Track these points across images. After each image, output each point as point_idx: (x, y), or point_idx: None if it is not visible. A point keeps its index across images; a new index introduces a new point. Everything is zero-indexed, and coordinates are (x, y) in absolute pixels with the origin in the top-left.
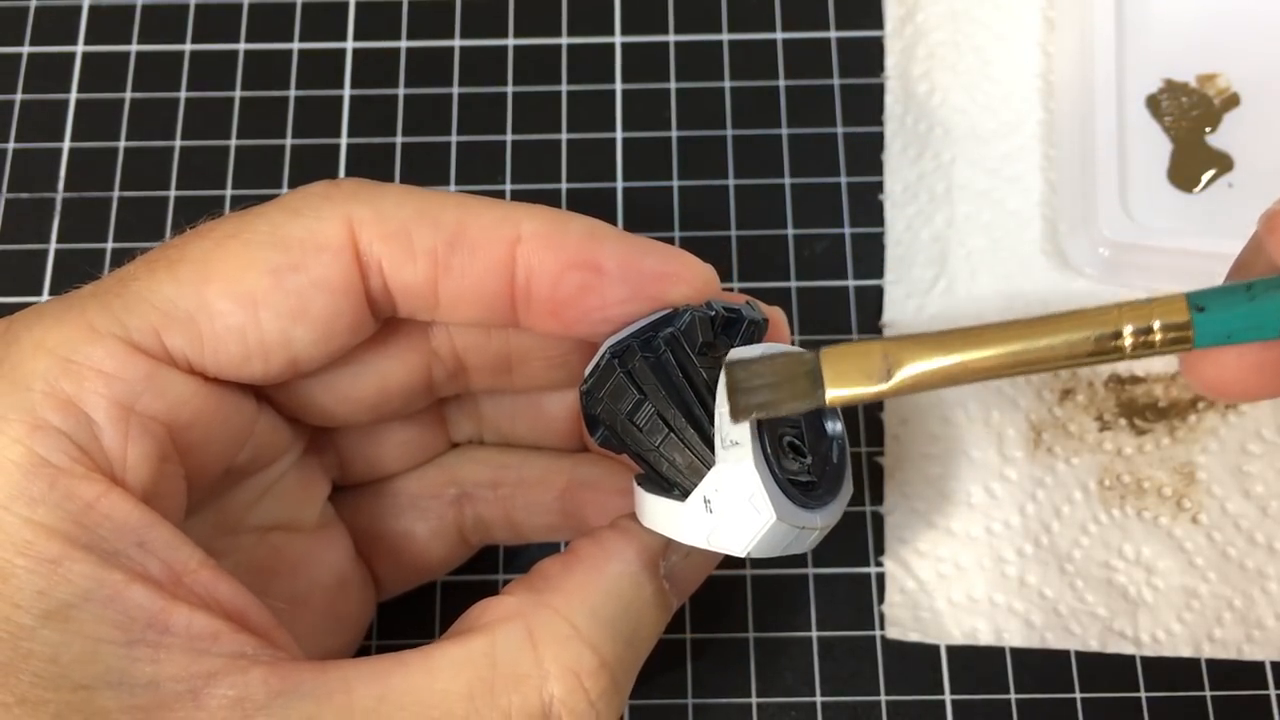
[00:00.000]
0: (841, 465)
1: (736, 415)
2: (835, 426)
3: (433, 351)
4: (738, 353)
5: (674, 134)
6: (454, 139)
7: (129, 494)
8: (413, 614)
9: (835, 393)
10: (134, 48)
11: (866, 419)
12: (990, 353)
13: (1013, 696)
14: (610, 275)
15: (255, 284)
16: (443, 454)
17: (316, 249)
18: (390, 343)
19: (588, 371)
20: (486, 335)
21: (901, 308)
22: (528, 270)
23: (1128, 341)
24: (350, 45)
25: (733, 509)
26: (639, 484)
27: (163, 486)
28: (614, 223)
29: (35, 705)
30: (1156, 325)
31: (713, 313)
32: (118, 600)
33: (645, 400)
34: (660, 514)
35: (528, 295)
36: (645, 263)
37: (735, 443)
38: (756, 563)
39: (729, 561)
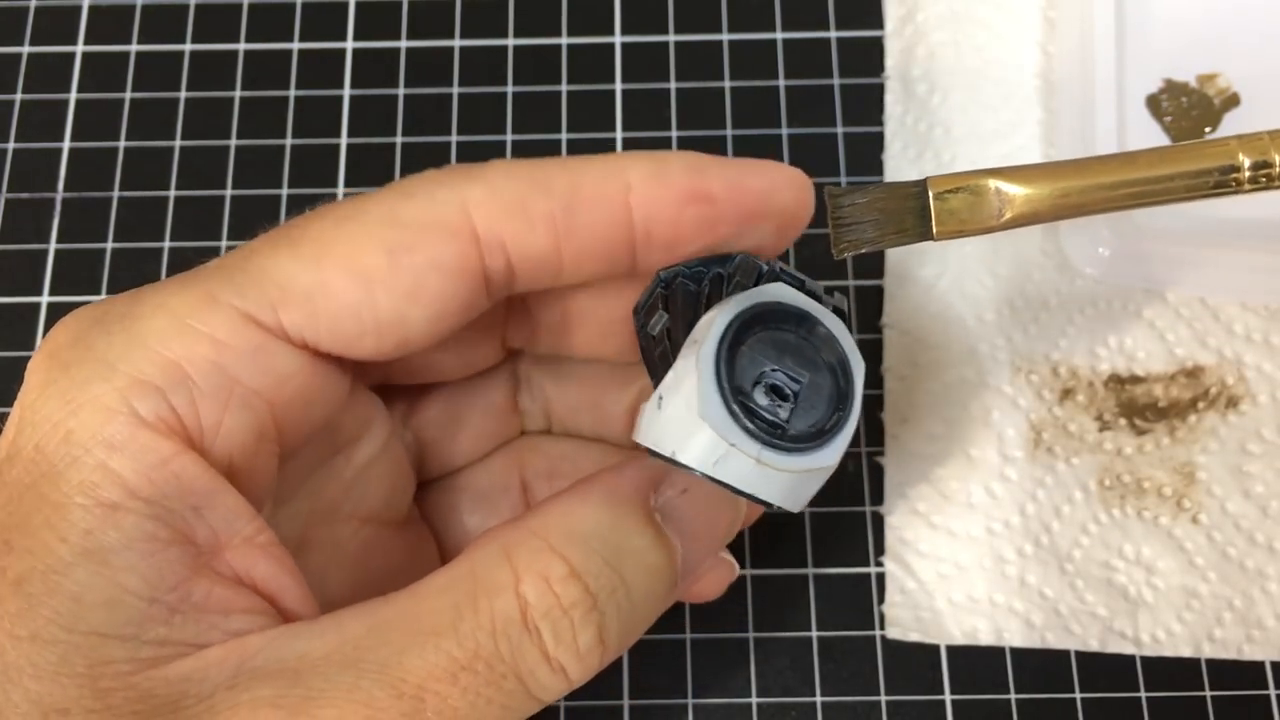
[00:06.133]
0: (836, 428)
1: (838, 251)
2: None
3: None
4: (841, 189)
5: (674, 134)
6: (454, 139)
7: (202, 459)
8: None
9: (944, 229)
10: (134, 48)
11: (867, 419)
12: (1104, 181)
13: (1013, 696)
14: (721, 201)
15: (371, 263)
16: (513, 440)
17: (432, 229)
18: None
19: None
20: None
21: (901, 307)
22: (646, 217)
23: (1246, 175)
24: (350, 45)
25: (674, 405)
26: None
27: (254, 462)
28: None
29: (46, 644)
30: (1278, 159)
31: (764, 266)
32: (153, 557)
33: (666, 317)
34: (640, 422)
35: (648, 238)
36: (748, 183)
37: (695, 342)
38: (756, 562)
39: None
